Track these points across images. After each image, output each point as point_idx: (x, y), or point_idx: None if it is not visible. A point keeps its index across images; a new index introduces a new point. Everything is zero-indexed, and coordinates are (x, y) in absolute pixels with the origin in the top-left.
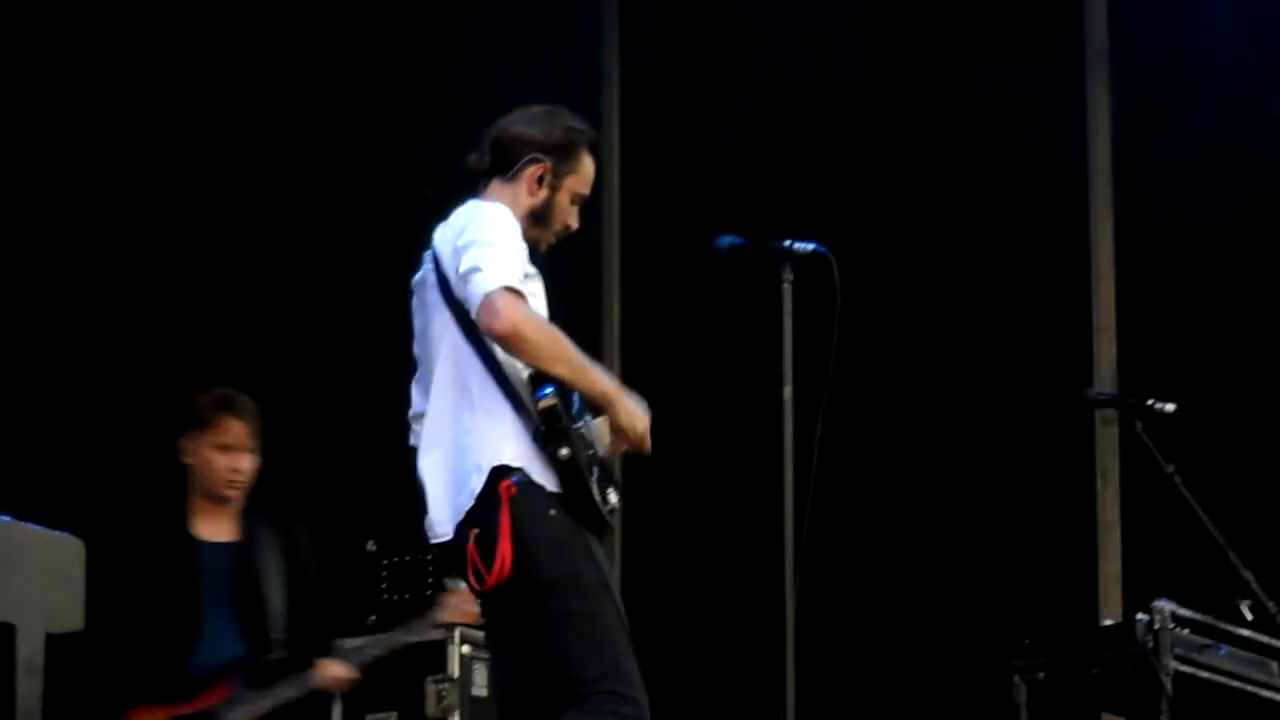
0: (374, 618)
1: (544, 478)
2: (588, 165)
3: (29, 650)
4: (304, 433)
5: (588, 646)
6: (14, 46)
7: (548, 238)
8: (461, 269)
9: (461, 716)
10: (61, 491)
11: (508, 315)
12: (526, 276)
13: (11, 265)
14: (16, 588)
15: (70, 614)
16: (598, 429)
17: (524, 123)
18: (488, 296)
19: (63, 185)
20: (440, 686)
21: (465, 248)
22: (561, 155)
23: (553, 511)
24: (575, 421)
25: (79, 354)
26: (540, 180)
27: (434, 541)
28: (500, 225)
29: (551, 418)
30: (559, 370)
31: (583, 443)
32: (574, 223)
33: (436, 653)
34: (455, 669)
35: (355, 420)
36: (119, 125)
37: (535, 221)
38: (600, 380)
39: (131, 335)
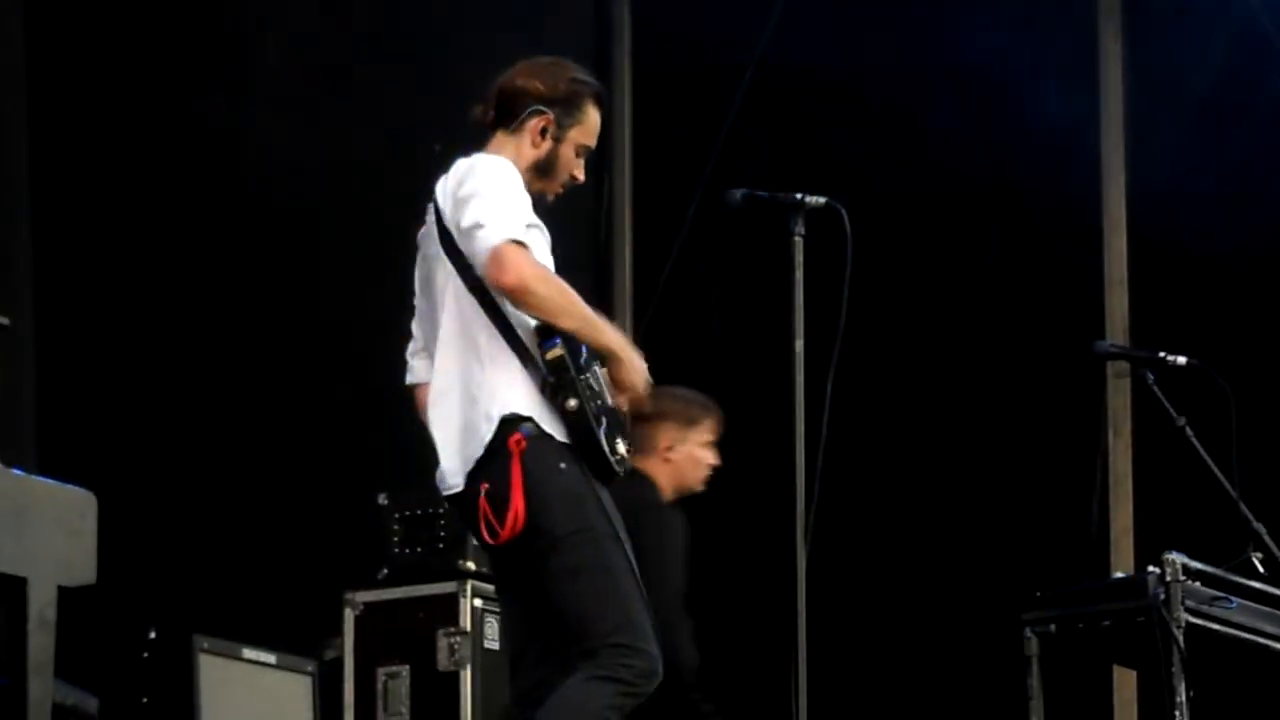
0: (385, 571)
1: (553, 428)
2: (593, 117)
3: (41, 603)
4: (314, 387)
5: (599, 599)
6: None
7: (553, 188)
8: (464, 224)
9: (474, 669)
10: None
11: (515, 269)
12: (529, 227)
13: (44, 226)
14: (28, 541)
15: (82, 567)
16: (606, 377)
17: (528, 74)
18: (493, 250)
19: (95, 163)
20: (453, 640)
21: (466, 201)
22: (565, 107)
23: (563, 464)
24: (584, 371)
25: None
26: (543, 132)
27: (446, 494)
28: (500, 177)
29: (559, 369)
30: (565, 323)
31: (590, 393)
32: (580, 174)
33: (449, 606)
34: (467, 622)
35: (366, 375)
36: (144, 102)
37: (539, 173)
38: (606, 333)
39: (158, 300)
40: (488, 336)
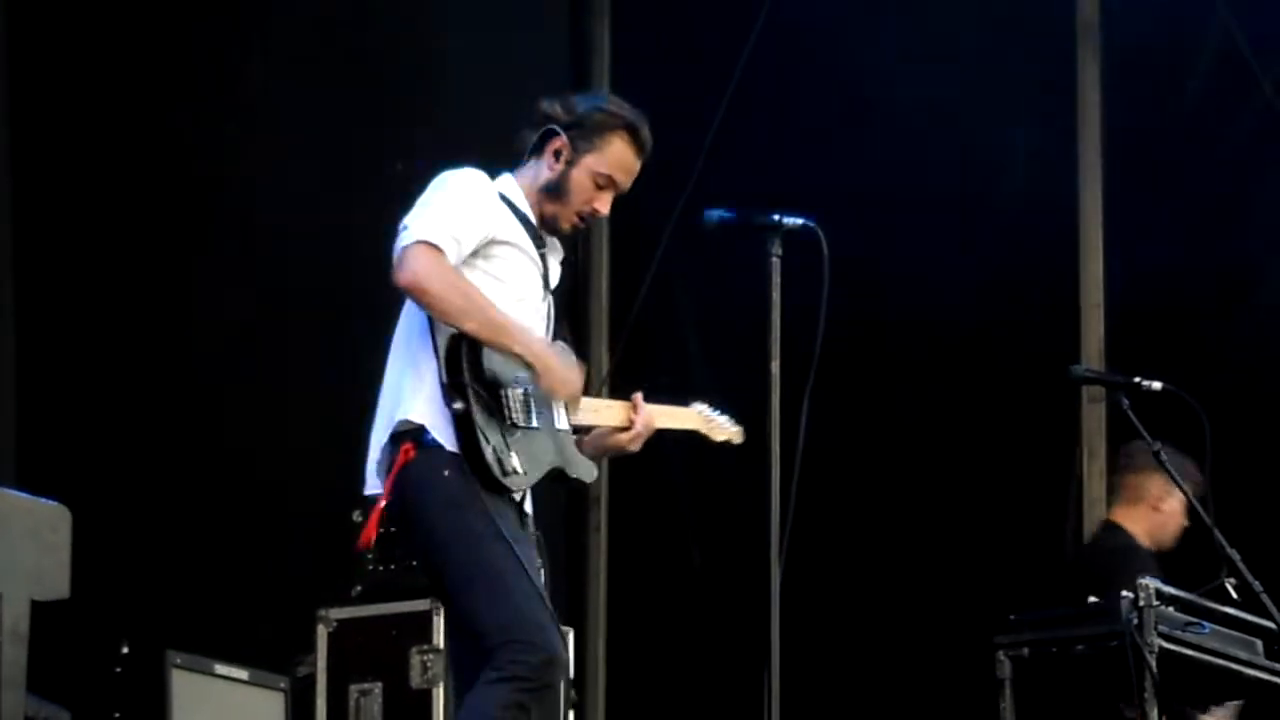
0: (358, 588)
1: (446, 434)
2: (615, 147)
3: (13, 617)
4: (288, 403)
5: (486, 600)
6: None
7: (567, 215)
8: (399, 227)
9: (446, 687)
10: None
11: (410, 267)
12: (496, 243)
13: (25, 243)
14: (1, 555)
15: (55, 581)
16: (558, 406)
17: (559, 100)
18: (401, 250)
19: (77, 179)
20: (425, 657)
21: (413, 209)
22: (582, 131)
23: (446, 472)
24: (507, 387)
25: (93, 335)
26: (558, 154)
27: (366, 493)
28: (450, 187)
29: (454, 369)
30: (468, 327)
31: (496, 405)
32: (601, 208)
33: (422, 623)
34: (440, 639)
35: (341, 390)
36: (129, 113)
37: (550, 195)
38: (517, 340)
39: (137, 314)
40: (419, 343)
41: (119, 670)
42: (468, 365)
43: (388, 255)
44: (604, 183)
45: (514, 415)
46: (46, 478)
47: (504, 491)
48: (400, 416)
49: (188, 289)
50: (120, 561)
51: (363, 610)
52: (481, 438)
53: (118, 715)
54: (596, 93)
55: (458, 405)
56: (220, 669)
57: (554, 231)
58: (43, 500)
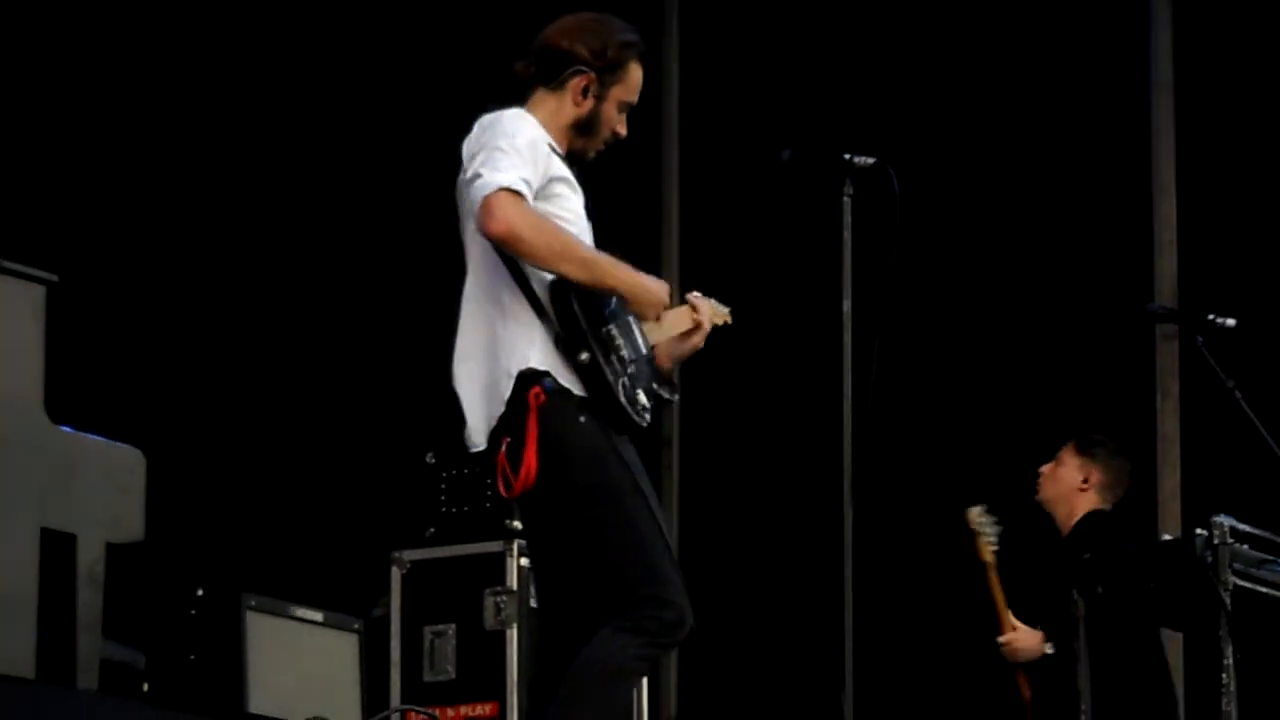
0: (432, 530)
1: (569, 382)
2: (635, 75)
3: (89, 560)
4: (362, 345)
5: (623, 553)
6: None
7: (595, 145)
8: (467, 178)
9: (520, 629)
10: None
11: (502, 216)
12: (554, 180)
13: (100, 187)
14: (78, 498)
15: (131, 524)
16: (638, 328)
17: (573, 35)
18: (485, 200)
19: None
20: (499, 599)
21: (473, 156)
22: (607, 66)
23: (582, 419)
24: (606, 322)
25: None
26: (585, 91)
27: (473, 452)
28: (512, 130)
29: (569, 321)
30: (565, 268)
31: (608, 344)
32: (622, 130)
33: (495, 565)
34: (514, 581)
35: (414, 333)
36: (148, 106)
37: (580, 131)
38: (611, 274)
39: (208, 258)
40: (510, 293)
41: (194, 613)
42: (580, 311)
43: (451, 201)
44: (625, 109)
45: (622, 350)
46: (121, 422)
47: (634, 430)
48: (518, 366)
49: (260, 230)
50: (195, 504)
51: (436, 552)
52: (611, 380)
53: (193, 657)
54: (588, 19)
55: (584, 356)
56: (295, 611)
57: (579, 163)
58: (119, 444)
